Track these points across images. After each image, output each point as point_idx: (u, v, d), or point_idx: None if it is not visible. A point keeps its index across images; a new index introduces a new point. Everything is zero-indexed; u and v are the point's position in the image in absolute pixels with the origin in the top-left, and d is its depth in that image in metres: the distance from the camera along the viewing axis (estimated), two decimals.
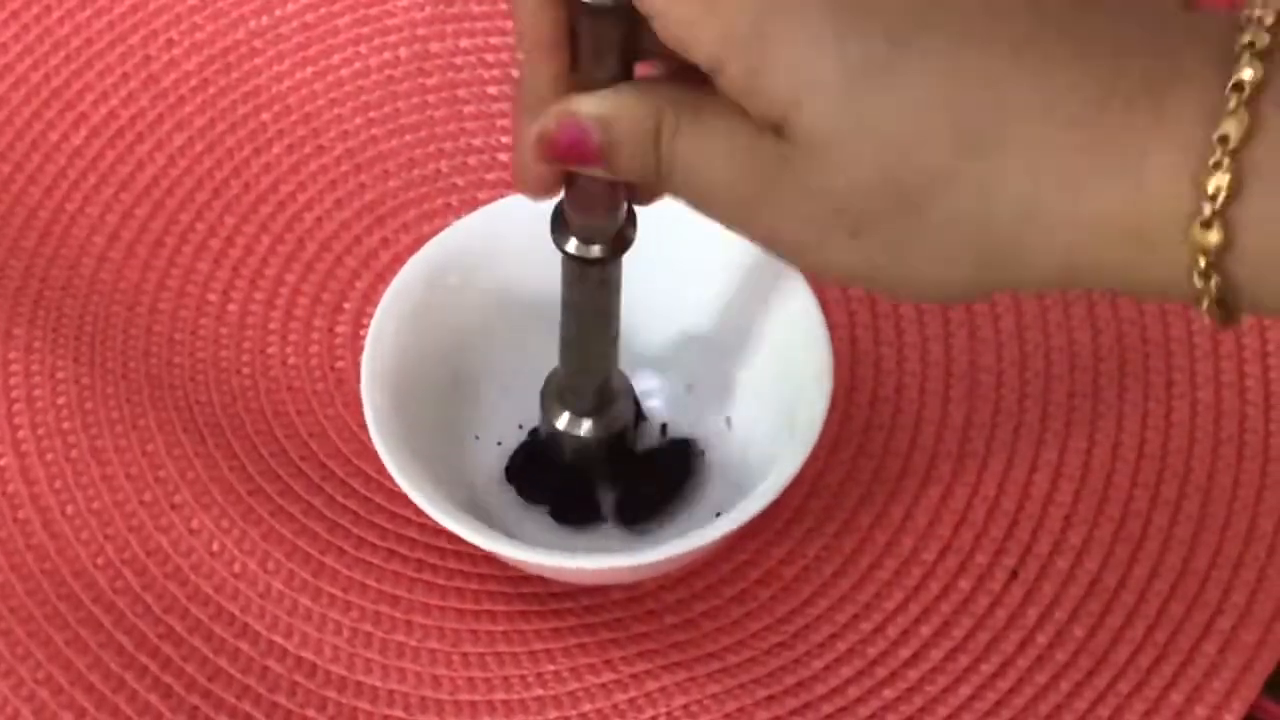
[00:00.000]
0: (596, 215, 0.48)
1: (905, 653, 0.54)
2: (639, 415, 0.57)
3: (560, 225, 0.49)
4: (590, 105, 0.43)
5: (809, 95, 0.39)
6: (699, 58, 0.40)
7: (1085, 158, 0.38)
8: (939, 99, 0.39)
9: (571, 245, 0.49)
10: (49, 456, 0.58)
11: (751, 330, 0.57)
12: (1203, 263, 0.38)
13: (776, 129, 0.40)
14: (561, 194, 0.47)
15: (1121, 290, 0.41)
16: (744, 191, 0.42)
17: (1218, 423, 0.58)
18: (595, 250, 0.49)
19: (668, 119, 0.42)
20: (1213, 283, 0.38)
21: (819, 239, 0.41)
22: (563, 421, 0.55)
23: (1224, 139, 0.37)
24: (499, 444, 0.58)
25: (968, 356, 0.60)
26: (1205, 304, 0.39)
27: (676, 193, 0.43)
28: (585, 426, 0.55)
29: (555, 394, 0.55)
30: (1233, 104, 0.37)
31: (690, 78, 0.42)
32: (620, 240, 0.49)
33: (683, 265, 0.57)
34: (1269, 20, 0.38)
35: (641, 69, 0.44)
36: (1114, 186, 0.38)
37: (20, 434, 0.59)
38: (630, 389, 0.56)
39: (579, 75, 0.43)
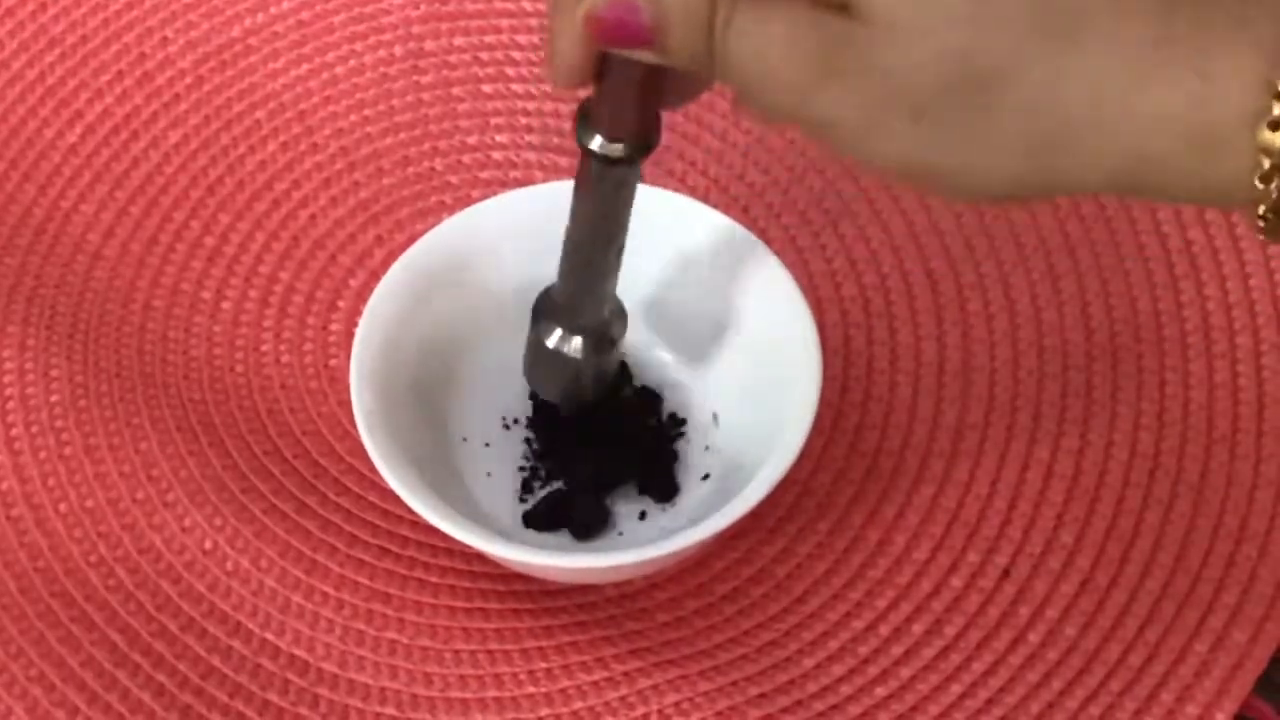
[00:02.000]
0: (629, 103, 0.46)
1: (897, 651, 0.54)
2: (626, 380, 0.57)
3: (586, 121, 0.47)
4: None
5: None
6: None
7: (1158, 52, 0.38)
8: None
9: (596, 143, 0.47)
10: (42, 454, 0.58)
11: (740, 328, 0.57)
12: (1267, 164, 0.38)
13: (843, 7, 0.39)
14: (591, 89, 0.46)
15: (1180, 195, 0.40)
16: (803, 73, 0.40)
17: (1210, 422, 0.58)
18: (620, 149, 0.47)
19: None
20: (1274, 185, 0.38)
21: (878, 123, 0.40)
22: (553, 339, 0.54)
23: None
24: (487, 445, 0.58)
25: (961, 356, 0.60)
26: (1262, 209, 0.38)
27: (725, 75, 0.42)
28: (575, 345, 0.54)
29: (548, 310, 0.54)
30: None
31: None
32: (646, 139, 0.48)
33: (672, 264, 0.57)
34: None
35: None
36: (1183, 82, 0.38)
37: (14, 431, 0.59)
38: (624, 314, 0.55)
39: None
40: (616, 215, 0.50)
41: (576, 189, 0.50)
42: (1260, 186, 0.38)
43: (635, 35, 0.42)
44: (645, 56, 0.42)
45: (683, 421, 0.58)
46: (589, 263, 0.52)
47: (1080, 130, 0.39)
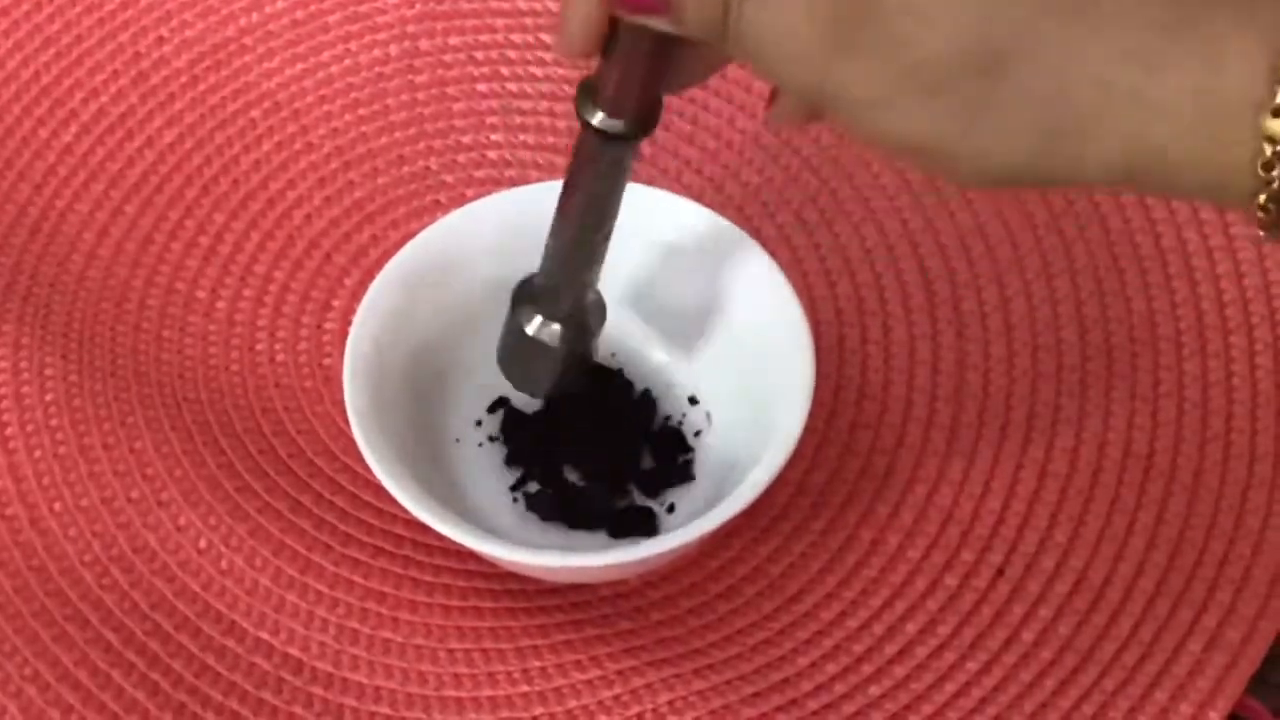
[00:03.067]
0: (632, 84, 0.46)
1: (891, 649, 0.55)
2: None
3: (587, 96, 0.47)
4: None
5: None
6: None
7: (1167, 35, 0.38)
8: None
9: (597, 118, 0.47)
10: (37, 454, 0.58)
11: (733, 326, 0.57)
12: (1269, 152, 0.38)
13: None
14: (597, 61, 0.46)
15: (1180, 187, 0.40)
16: (819, 44, 0.40)
17: (1204, 421, 0.58)
18: (621, 125, 0.47)
19: None
20: (1276, 173, 0.38)
21: (891, 99, 0.40)
22: (533, 326, 0.53)
23: None
24: (480, 445, 0.58)
25: (955, 355, 0.60)
26: (1263, 198, 0.38)
27: (738, 48, 0.42)
28: (553, 331, 0.53)
29: (528, 297, 0.53)
30: None
31: None
32: (648, 116, 0.47)
33: (665, 262, 0.57)
34: None
35: None
36: (1190, 67, 0.38)
37: (8, 431, 0.59)
38: (604, 306, 0.54)
39: None
40: (608, 196, 0.50)
41: (571, 166, 0.49)
42: (1262, 174, 0.38)
43: (650, 3, 0.42)
44: (659, 25, 0.42)
45: (676, 420, 0.58)
46: (576, 244, 0.51)
47: (1088, 114, 0.39)
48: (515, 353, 0.54)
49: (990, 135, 0.40)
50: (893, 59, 0.40)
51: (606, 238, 0.51)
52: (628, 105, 0.47)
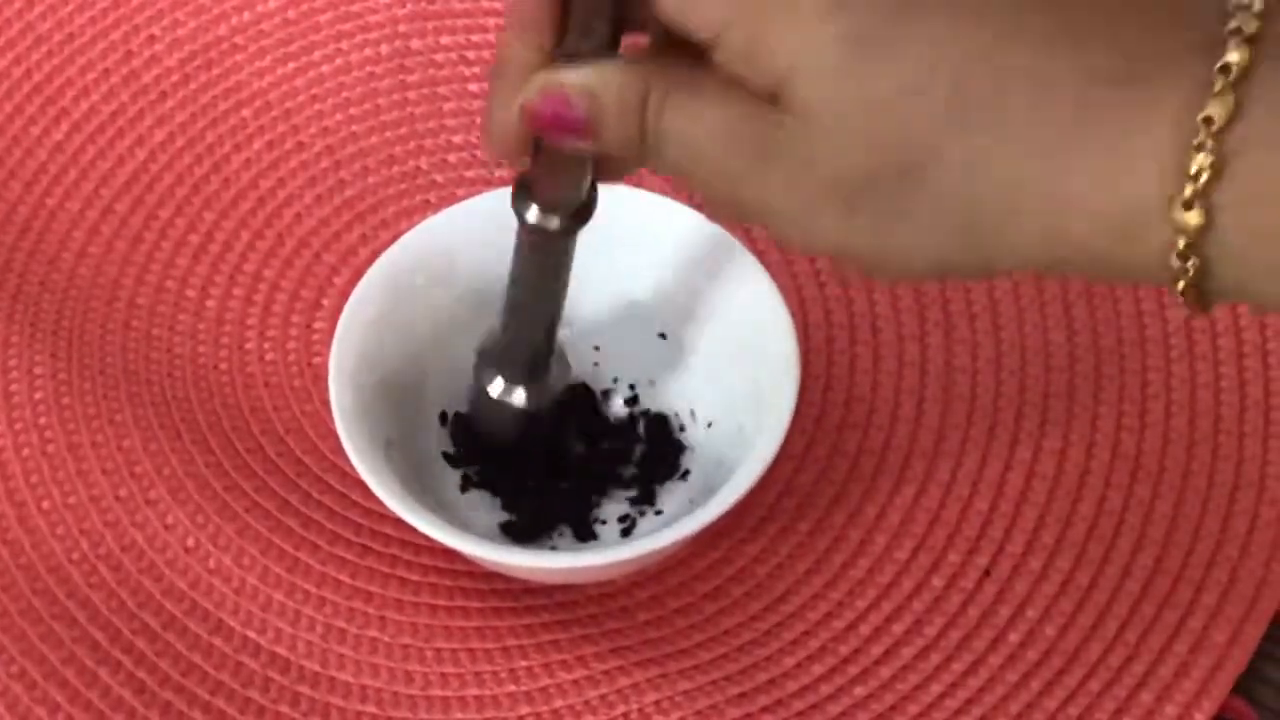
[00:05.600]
0: (563, 185, 0.47)
1: (877, 650, 0.55)
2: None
3: (522, 193, 0.48)
4: (575, 76, 0.42)
5: (808, 61, 0.39)
6: (698, 28, 0.40)
7: (1073, 134, 0.38)
8: (934, 70, 0.39)
9: (532, 214, 0.48)
10: (25, 451, 0.58)
11: (717, 326, 0.57)
12: (1182, 244, 0.38)
13: (773, 98, 0.40)
14: (527, 161, 0.46)
15: (1102, 274, 0.40)
16: (736, 163, 0.41)
17: (1192, 423, 0.58)
18: (555, 222, 0.48)
19: (656, 90, 0.42)
20: (1190, 264, 0.38)
21: (811, 212, 0.41)
22: (496, 389, 0.54)
23: (1208, 120, 0.37)
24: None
25: (943, 356, 0.60)
26: (1181, 286, 0.39)
27: (659, 164, 0.43)
28: (518, 395, 0.54)
29: (491, 360, 0.54)
30: (1218, 86, 0.37)
31: (678, 50, 0.42)
32: (582, 212, 0.48)
33: (650, 264, 0.57)
34: (1257, 6, 0.38)
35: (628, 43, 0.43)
36: (1099, 164, 0.38)
37: None
38: (567, 363, 0.55)
39: (564, 46, 0.43)
40: (555, 278, 0.51)
41: (515, 253, 0.50)
42: (1177, 264, 0.38)
43: (569, 127, 0.43)
44: (580, 146, 0.43)
45: (663, 420, 0.58)
46: (529, 315, 0.52)
47: (1003, 216, 0.39)
48: (481, 411, 0.55)
49: (911, 239, 0.41)
50: (806, 176, 0.40)
51: (560, 308, 0.52)
52: (561, 202, 0.48)
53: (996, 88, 0.39)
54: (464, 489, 0.57)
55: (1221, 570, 0.55)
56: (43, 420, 0.59)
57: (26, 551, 0.57)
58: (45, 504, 0.57)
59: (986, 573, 0.56)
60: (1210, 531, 0.56)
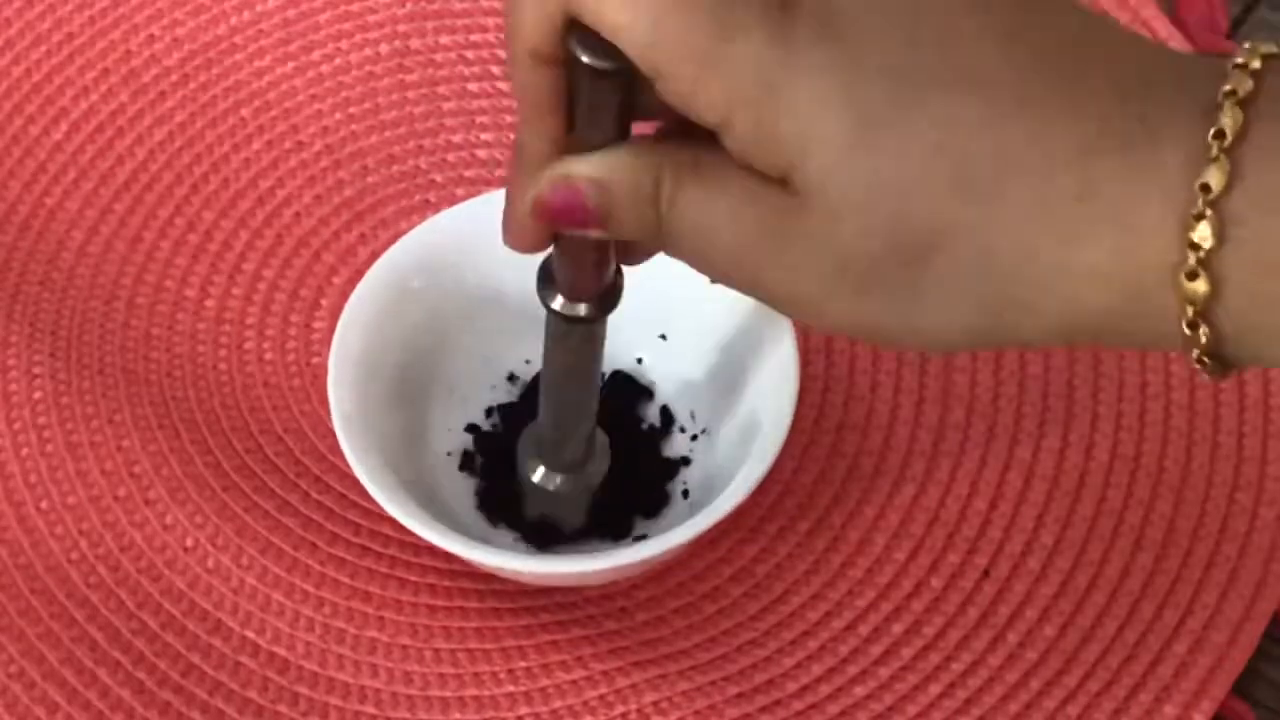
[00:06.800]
0: (585, 273, 0.47)
1: (876, 650, 0.55)
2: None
3: (547, 281, 0.48)
4: (585, 167, 0.42)
5: (816, 146, 0.39)
6: (705, 114, 0.40)
7: (1080, 206, 0.38)
8: (940, 148, 0.39)
9: (558, 302, 0.48)
10: (24, 451, 0.58)
11: (718, 331, 0.57)
12: (1190, 313, 0.38)
13: (782, 182, 0.40)
14: (550, 250, 0.46)
15: (1123, 343, 0.40)
16: (748, 247, 0.41)
17: (1191, 424, 0.58)
18: (582, 309, 0.48)
19: (666, 178, 0.41)
20: (1201, 333, 0.38)
21: (824, 294, 0.41)
22: (538, 475, 0.54)
23: (1205, 188, 0.37)
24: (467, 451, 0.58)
25: (942, 356, 0.60)
26: (1195, 354, 0.38)
27: (675, 251, 0.43)
28: (558, 482, 0.54)
29: (533, 446, 0.54)
30: (1214, 152, 0.37)
31: (687, 135, 0.41)
32: (608, 298, 0.48)
33: (647, 268, 0.57)
34: (1255, 65, 0.38)
35: (638, 128, 0.43)
36: (1107, 236, 0.38)
37: None
38: (607, 451, 0.55)
39: (575, 136, 0.43)
40: (587, 365, 0.51)
41: (545, 342, 0.50)
42: (1189, 333, 0.38)
43: (581, 218, 0.43)
44: (595, 234, 0.43)
45: (663, 423, 0.58)
46: (564, 406, 0.52)
47: (1019, 288, 0.39)
48: (528, 495, 0.55)
49: (926, 318, 0.40)
50: (818, 258, 0.40)
51: (594, 395, 0.52)
52: (584, 291, 0.47)
53: (998, 165, 0.38)
54: (478, 508, 0.57)
55: (1221, 570, 0.55)
56: (41, 420, 0.59)
57: (25, 551, 0.57)
58: (44, 504, 0.57)
59: (985, 573, 0.56)
60: (1209, 532, 0.56)
